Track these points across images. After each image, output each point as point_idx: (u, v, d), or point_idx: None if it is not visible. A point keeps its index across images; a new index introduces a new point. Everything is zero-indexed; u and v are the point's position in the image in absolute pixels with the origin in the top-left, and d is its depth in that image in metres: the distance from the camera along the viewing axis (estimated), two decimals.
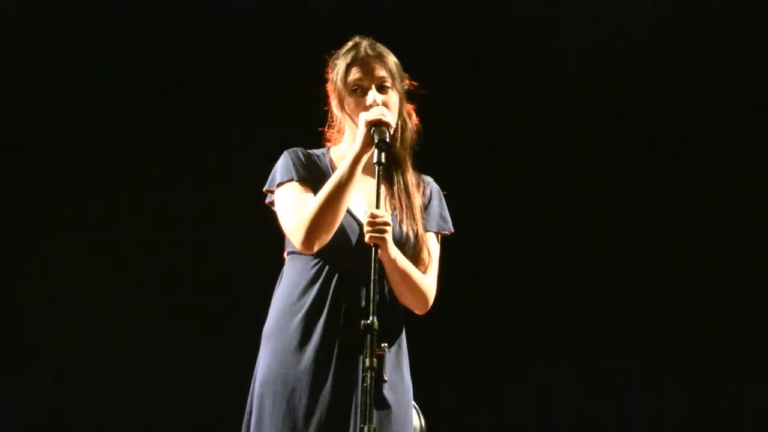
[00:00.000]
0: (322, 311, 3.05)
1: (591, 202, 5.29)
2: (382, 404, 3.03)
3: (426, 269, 3.17)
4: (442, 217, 3.28)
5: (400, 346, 3.14)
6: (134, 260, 5.17)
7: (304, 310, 3.07)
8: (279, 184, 3.16)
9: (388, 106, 3.12)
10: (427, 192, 3.27)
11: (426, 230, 3.21)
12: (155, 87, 5.18)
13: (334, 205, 3.02)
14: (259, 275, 3.53)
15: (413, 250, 3.15)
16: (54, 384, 5.08)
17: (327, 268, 3.09)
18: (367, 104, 3.11)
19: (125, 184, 5.20)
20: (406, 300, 3.14)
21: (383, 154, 3.00)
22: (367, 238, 2.96)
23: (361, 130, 3.04)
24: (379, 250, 2.96)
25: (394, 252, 3.04)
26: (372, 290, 2.85)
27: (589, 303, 5.25)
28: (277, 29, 5.19)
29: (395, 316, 3.14)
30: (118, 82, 5.16)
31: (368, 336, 2.80)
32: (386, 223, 2.97)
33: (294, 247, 3.11)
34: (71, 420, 5.08)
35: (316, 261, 3.10)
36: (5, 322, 5.11)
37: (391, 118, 3.07)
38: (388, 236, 2.99)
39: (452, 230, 3.30)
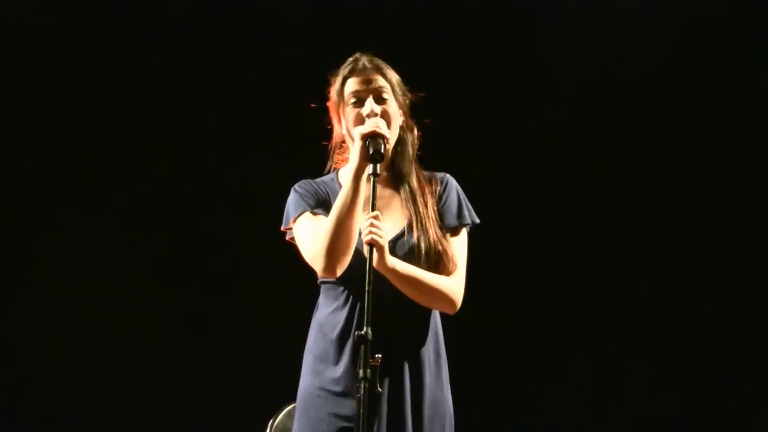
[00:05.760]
0: (350, 332, 3.10)
1: None
2: (419, 420, 3.08)
3: (449, 272, 3.16)
4: (461, 210, 3.25)
5: (438, 354, 3.18)
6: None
7: (335, 333, 3.13)
8: (294, 219, 3.21)
9: (387, 115, 3.14)
10: (440, 189, 3.25)
11: (446, 228, 3.20)
12: (159, 88, 5.18)
13: (344, 226, 3.04)
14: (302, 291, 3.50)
15: (429, 258, 3.14)
16: (55, 386, 5.11)
17: (351, 289, 3.12)
18: (364, 113, 3.13)
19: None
20: (426, 304, 3.14)
21: (378, 166, 3.01)
22: (366, 238, 2.98)
23: (357, 144, 3.06)
24: (375, 259, 2.98)
25: (392, 261, 3.05)
26: (367, 301, 2.87)
27: None
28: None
29: (419, 326, 3.16)
30: (118, 83, 5.17)
31: (362, 347, 2.83)
32: (380, 229, 3.01)
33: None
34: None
35: (341, 283, 3.14)
36: (6, 323, 5.14)
37: (386, 129, 3.08)
38: (384, 244, 3.01)
39: (476, 220, 3.27)
